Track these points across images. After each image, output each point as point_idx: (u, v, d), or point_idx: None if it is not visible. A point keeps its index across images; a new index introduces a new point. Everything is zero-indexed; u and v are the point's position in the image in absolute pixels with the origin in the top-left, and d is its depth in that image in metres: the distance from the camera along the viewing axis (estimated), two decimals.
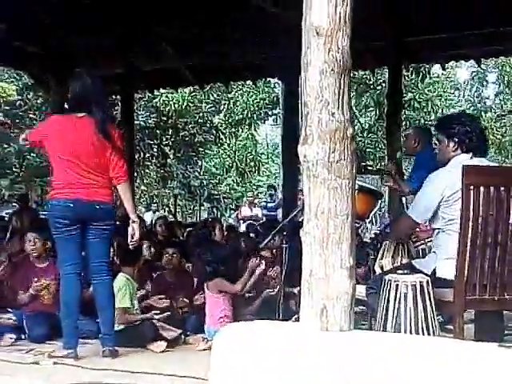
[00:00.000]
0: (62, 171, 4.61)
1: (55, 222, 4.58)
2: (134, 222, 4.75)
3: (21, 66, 11.79)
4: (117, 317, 4.88)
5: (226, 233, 8.62)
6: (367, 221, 4.59)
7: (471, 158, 3.94)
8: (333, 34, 2.88)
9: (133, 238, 4.75)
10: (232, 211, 23.89)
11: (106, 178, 4.69)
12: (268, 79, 18.47)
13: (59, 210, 4.58)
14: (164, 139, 23.59)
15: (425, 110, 22.56)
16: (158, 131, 23.02)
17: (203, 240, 6.25)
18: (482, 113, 24.72)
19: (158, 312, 5.39)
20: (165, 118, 23.00)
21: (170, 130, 23.45)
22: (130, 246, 4.87)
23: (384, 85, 19.27)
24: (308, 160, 2.95)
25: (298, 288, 3.11)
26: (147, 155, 22.98)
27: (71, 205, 4.56)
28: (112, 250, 5.61)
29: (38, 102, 20.61)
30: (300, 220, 4.76)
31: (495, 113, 26.19)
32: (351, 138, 2.95)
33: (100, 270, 4.69)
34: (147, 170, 24.15)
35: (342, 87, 2.94)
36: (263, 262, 5.51)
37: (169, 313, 5.46)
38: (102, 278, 4.70)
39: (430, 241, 4.40)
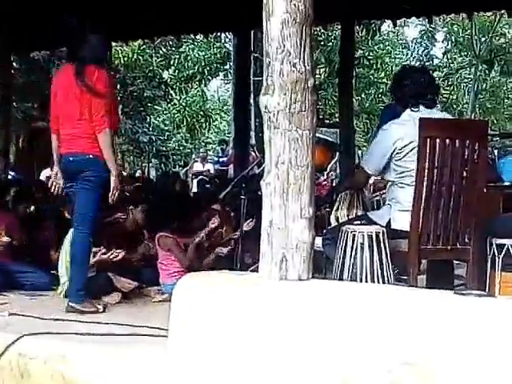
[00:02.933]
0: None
1: None
2: (112, 174, 4.44)
3: None
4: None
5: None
6: (325, 173, 4.60)
7: (419, 110, 3.93)
8: None
9: (113, 191, 4.48)
10: (180, 168, 23.75)
11: (86, 127, 4.39)
12: (219, 34, 18.29)
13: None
14: None
15: (374, 67, 22.73)
16: None
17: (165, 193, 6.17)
18: (430, 71, 24.95)
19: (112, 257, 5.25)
20: (112, 72, 22.56)
21: (118, 85, 23.02)
22: (110, 200, 4.57)
23: (335, 41, 19.31)
24: (269, 110, 2.96)
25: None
26: None
27: (62, 159, 4.54)
28: None
29: None
30: (257, 172, 4.79)
31: (442, 72, 26.48)
32: (312, 88, 2.96)
33: (76, 221, 4.51)
34: None
35: (303, 37, 2.94)
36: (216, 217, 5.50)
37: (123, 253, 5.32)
38: (76, 229, 4.50)
39: (385, 193, 4.47)
